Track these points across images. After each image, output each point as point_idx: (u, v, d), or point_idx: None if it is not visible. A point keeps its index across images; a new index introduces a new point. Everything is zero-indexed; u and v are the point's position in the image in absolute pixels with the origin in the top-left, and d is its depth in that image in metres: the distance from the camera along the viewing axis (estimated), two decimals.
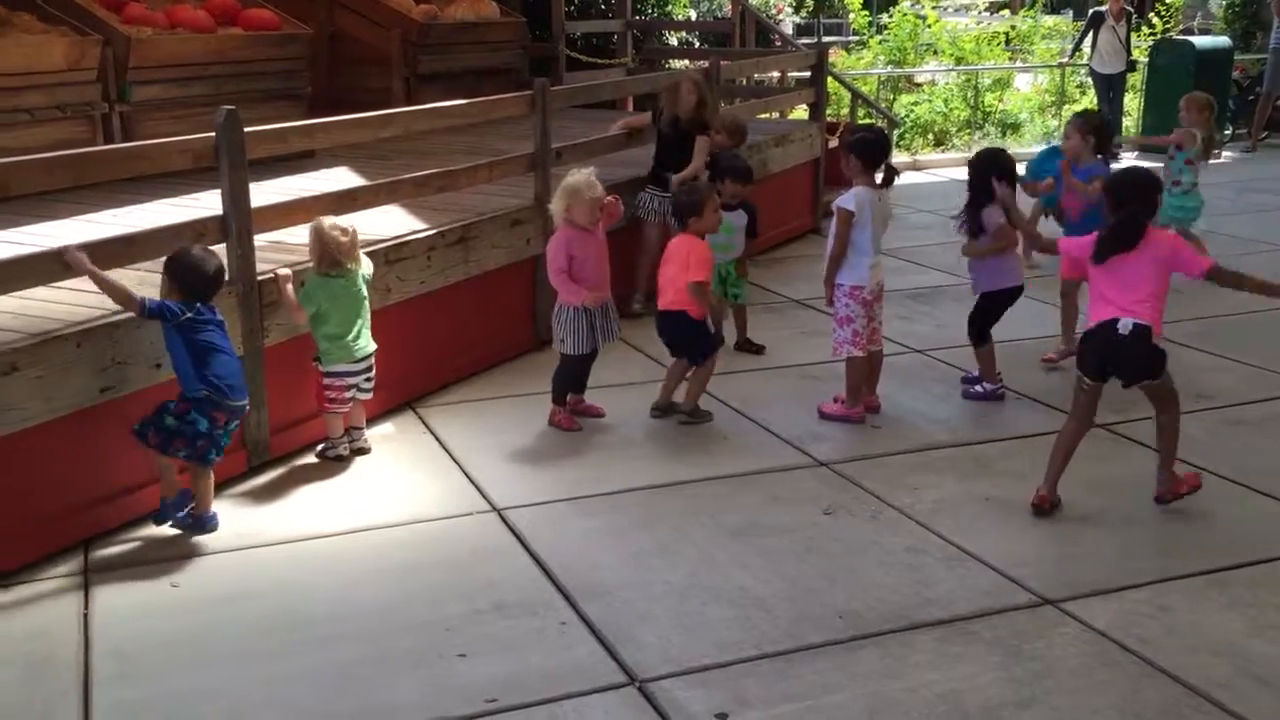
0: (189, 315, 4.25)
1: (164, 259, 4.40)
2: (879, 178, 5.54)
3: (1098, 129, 6.51)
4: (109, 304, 4.44)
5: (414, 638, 3.75)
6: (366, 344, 4.98)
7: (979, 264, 5.77)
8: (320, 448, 5.09)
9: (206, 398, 4.26)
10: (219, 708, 3.41)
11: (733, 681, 3.54)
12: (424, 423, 5.53)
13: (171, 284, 4.33)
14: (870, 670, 3.60)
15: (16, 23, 6.61)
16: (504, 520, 4.57)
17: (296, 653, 3.66)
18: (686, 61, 12.71)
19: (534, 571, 4.18)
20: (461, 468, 5.02)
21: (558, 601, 3.97)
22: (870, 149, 5.48)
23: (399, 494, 4.79)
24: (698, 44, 15.78)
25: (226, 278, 4.55)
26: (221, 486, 4.74)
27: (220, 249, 4.78)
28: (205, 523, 4.40)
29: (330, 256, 4.83)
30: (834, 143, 10.31)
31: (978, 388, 5.86)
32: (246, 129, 4.77)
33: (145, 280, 4.72)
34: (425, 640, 3.73)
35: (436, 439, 5.34)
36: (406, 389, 5.68)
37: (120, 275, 4.66)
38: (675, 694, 3.47)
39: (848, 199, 5.38)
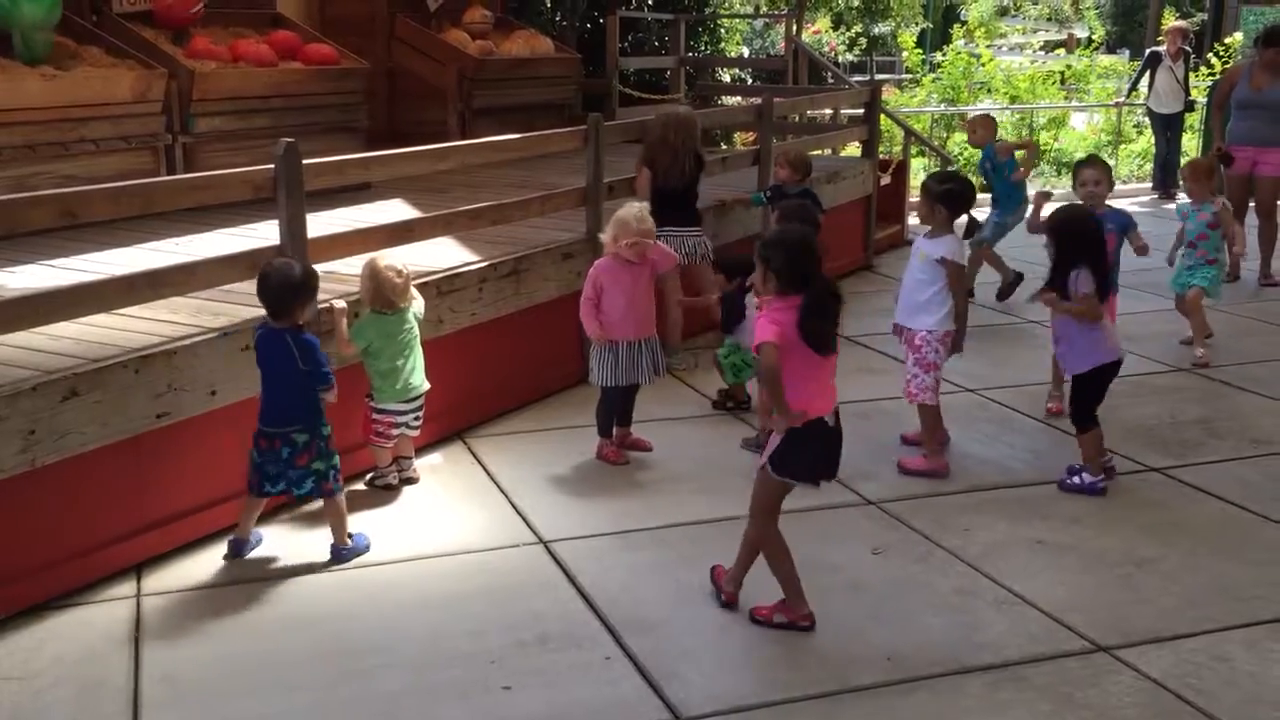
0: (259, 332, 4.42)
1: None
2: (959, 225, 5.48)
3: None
4: (167, 331, 4.53)
5: (459, 669, 3.75)
6: (420, 383, 5.00)
7: (1066, 343, 5.22)
8: (369, 477, 5.13)
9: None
10: None
11: None
12: (472, 453, 5.56)
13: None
14: (918, 714, 3.55)
15: (85, 56, 6.78)
16: (550, 553, 4.57)
17: (343, 682, 3.68)
18: (739, 98, 12.76)
19: (579, 605, 4.17)
20: (509, 499, 5.04)
21: (602, 636, 3.96)
22: (959, 202, 5.37)
23: (446, 524, 4.81)
24: (750, 80, 15.85)
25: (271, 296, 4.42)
26: (271, 514, 4.79)
27: None
28: (337, 554, 4.48)
29: (384, 297, 4.85)
30: (885, 180, 10.31)
31: (1075, 479, 5.21)
32: (305, 160, 4.85)
33: (203, 309, 4.81)
34: (470, 672, 3.73)
35: (485, 470, 5.36)
36: (455, 419, 5.71)
37: (181, 303, 4.76)
38: None
39: (955, 250, 5.28)
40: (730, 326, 5.87)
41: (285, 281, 4.31)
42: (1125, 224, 6.17)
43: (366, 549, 4.55)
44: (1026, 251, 8.46)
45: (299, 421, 4.36)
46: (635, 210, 5.33)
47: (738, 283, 5.77)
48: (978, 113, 8.71)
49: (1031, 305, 5.83)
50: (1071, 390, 5.31)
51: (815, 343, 3.84)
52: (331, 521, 4.51)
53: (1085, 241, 5.11)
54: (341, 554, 4.48)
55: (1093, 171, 6.09)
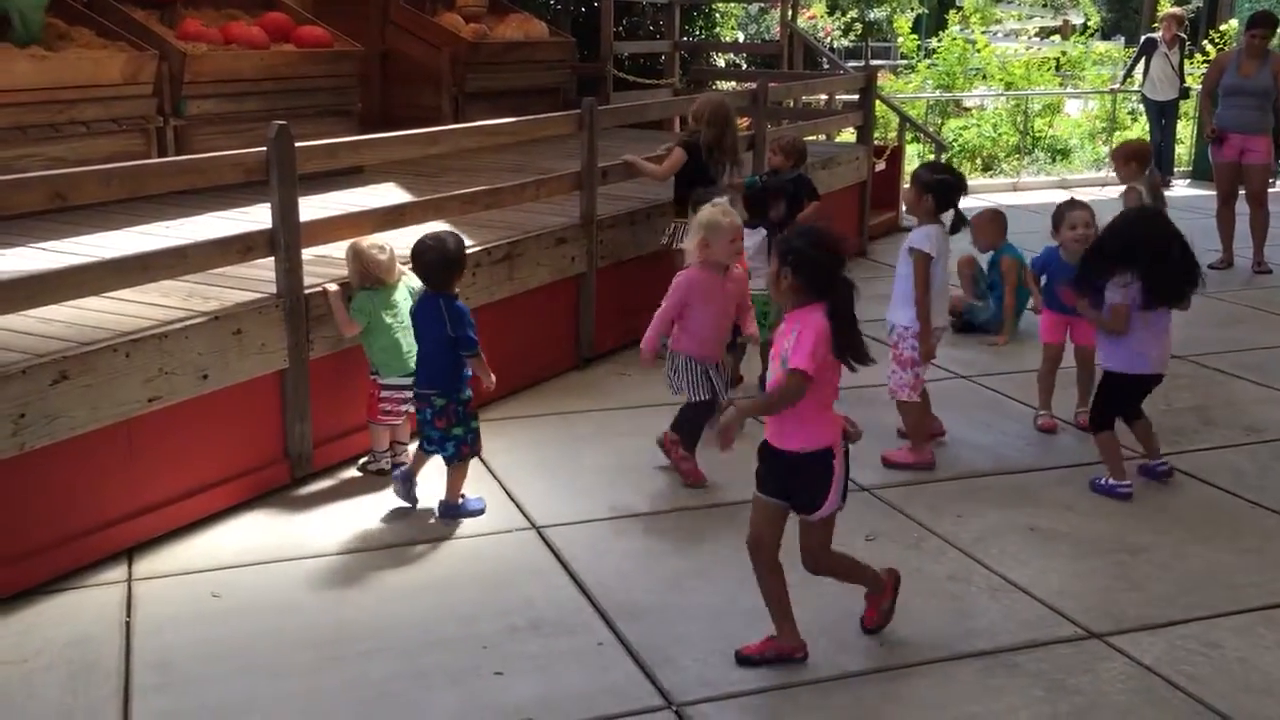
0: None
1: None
2: (946, 219, 5.25)
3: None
4: (158, 314, 4.50)
5: (450, 654, 3.74)
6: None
7: (1111, 341, 4.99)
8: (362, 461, 5.12)
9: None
10: None
11: (771, 708, 3.51)
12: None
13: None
14: (911, 700, 3.56)
15: (76, 38, 6.73)
16: (543, 538, 4.57)
17: (334, 667, 3.67)
18: (734, 83, 12.72)
19: (572, 590, 4.17)
20: (502, 484, 5.03)
21: (595, 622, 3.96)
22: (950, 193, 5.16)
23: (438, 509, 4.80)
24: (745, 65, 15.80)
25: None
26: (263, 498, 4.78)
27: (268, 262, 4.84)
28: (445, 509, 4.69)
29: (371, 275, 4.88)
30: (880, 166, 10.29)
31: (1103, 481, 5.07)
32: (297, 144, 4.82)
33: (194, 292, 4.79)
34: (462, 657, 3.73)
35: (477, 455, 5.33)
36: None
37: (172, 287, 4.74)
38: (712, 719, 3.44)
39: (922, 240, 5.08)
40: None
41: (441, 255, 4.61)
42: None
43: (479, 512, 4.70)
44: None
45: (439, 385, 4.60)
46: (719, 209, 4.87)
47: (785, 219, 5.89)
48: (984, 210, 7.43)
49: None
50: (1099, 387, 5.17)
51: (855, 356, 3.58)
52: (451, 479, 4.69)
53: (1142, 249, 4.79)
54: (450, 509, 4.67)
55: (1084, 214, 5.58)
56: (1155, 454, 5.19)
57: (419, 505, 4.76)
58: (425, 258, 4.63)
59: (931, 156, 11.83)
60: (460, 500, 4.72)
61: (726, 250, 4.87)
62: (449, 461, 4.68)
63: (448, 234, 4.77)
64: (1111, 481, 5.04)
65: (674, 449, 5.10)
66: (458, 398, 4.64)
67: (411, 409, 5.06)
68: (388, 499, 4.88)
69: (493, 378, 4.79)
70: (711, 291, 4.92)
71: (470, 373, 4.70)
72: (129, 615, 3.94)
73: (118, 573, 4.22)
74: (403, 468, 4.81)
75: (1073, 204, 5.75)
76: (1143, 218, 5.04)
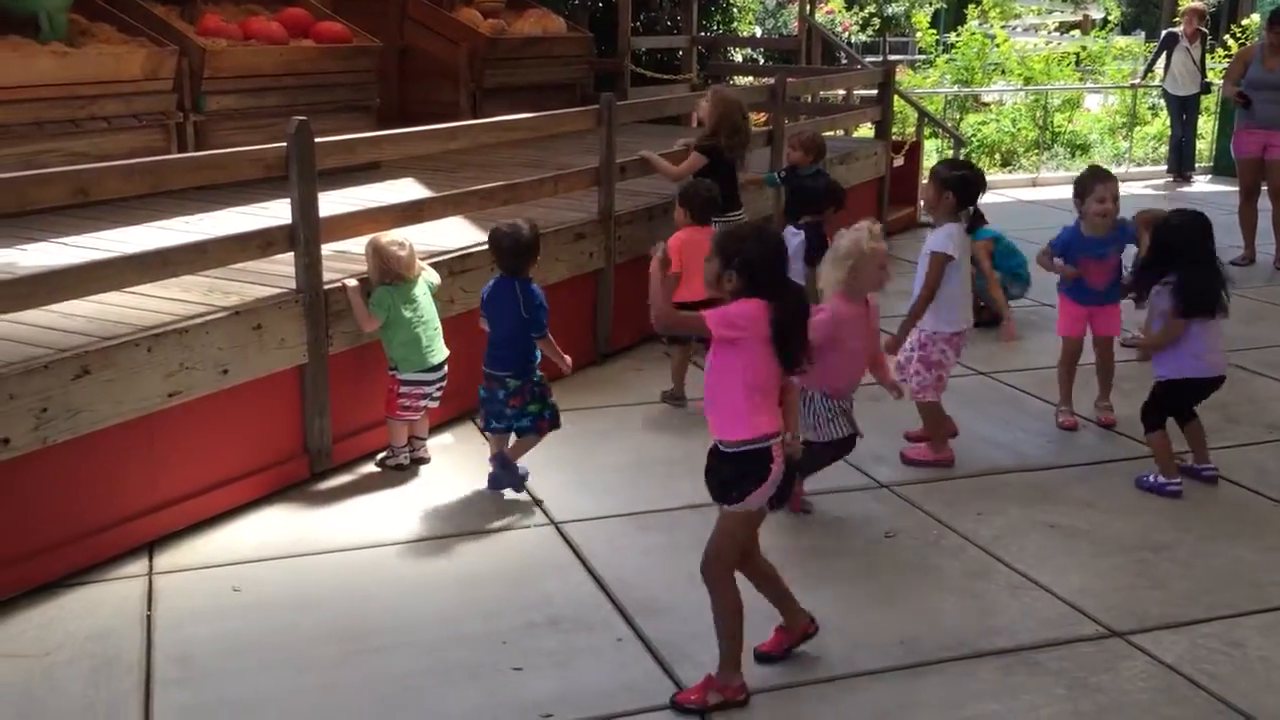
0: None
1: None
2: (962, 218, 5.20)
3: None
4: (179, 309, 4.52)
5: (470, 650, 3.75)
6: (440, 350, 5.03)
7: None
8: (380, 457, 5.13)
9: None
10: (276, 716, 3.43)
11: (790, 705, 3.50)
12: (484, 433, 5.54)
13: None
14: (930, 698, 3.54)
15: (96, 33, 6.76)
16: (561, 534, 4.57)
17: (354, 662, 3.68)
18: (751, 78, 12.70)
19: (591, 587, 4.17)
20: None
21: (614, 618, 3.95)
22: (970, 189, 5.11)
23: (457, 505, 4.81)
24: (762, 60, 15.77)
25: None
26: (283, 493, 4.80)
27: (287, 257, 4.85)
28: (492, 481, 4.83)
29: (391, 271, 4.89)
30: (899, 162, 10.25)
31: (1150, 478, 5.03)
32: (316, 139, 4.83)
33: (215, 287, 4.80)
34: (481, 653, 3.73)
35: (557, 429, 5.30)
36: (467, 400, 5.68)
37: (192, 282, 4.75)
38: (732, 716, 3.44)
39: (943, 242, 5.01)
40: (814, 259, 5.91)
41: (515, 241, 4.77)
42: (1133, 237, 5.73)
43: (523, 480, 4.83)
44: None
45: (512, 367, 4.74)
46: (865, 233, 4.40)
47: (816, 215, 5.97)
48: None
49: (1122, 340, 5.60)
50: (1153, 389, 5.07)
51: (793, 361, 3.36)
52: (520, 444, 4.86)
53: (1185, 252, 4.80)
54: (500, 475, 4.83)
55: (1112, 186, 5.44)
56: (1204, 458, 5.12)
57: (523, 480, 4.87)
58: (502, 244, 4.77)
59: (950, 152, 11.79)
60: (513, 464, 4.85)
61: (876, 279, 4.46)
62: (521, 432, 4.84)
63: (523, 221, 4.89)
64: (1160, 479, 4.98)
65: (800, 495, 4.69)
66: (531, 379, 4.79)
67: (430, 404, 5.08)
68: (406, 494, 4.89)
69: (568, 360, 4.97)
70: (857, 324, 4.49)
71: (540, 355, 4.82)
72: (150, 609, 3.96)
73: (138, 567, 4.23)
74: (495, 461, 4.83)
75: (1100, 174, 5.58)
76: (1187, 221, 4.94)
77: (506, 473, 4.82)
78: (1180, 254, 4.84)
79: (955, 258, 5.03)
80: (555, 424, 4.91)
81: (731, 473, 3.43)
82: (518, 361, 4.76)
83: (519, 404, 4.78)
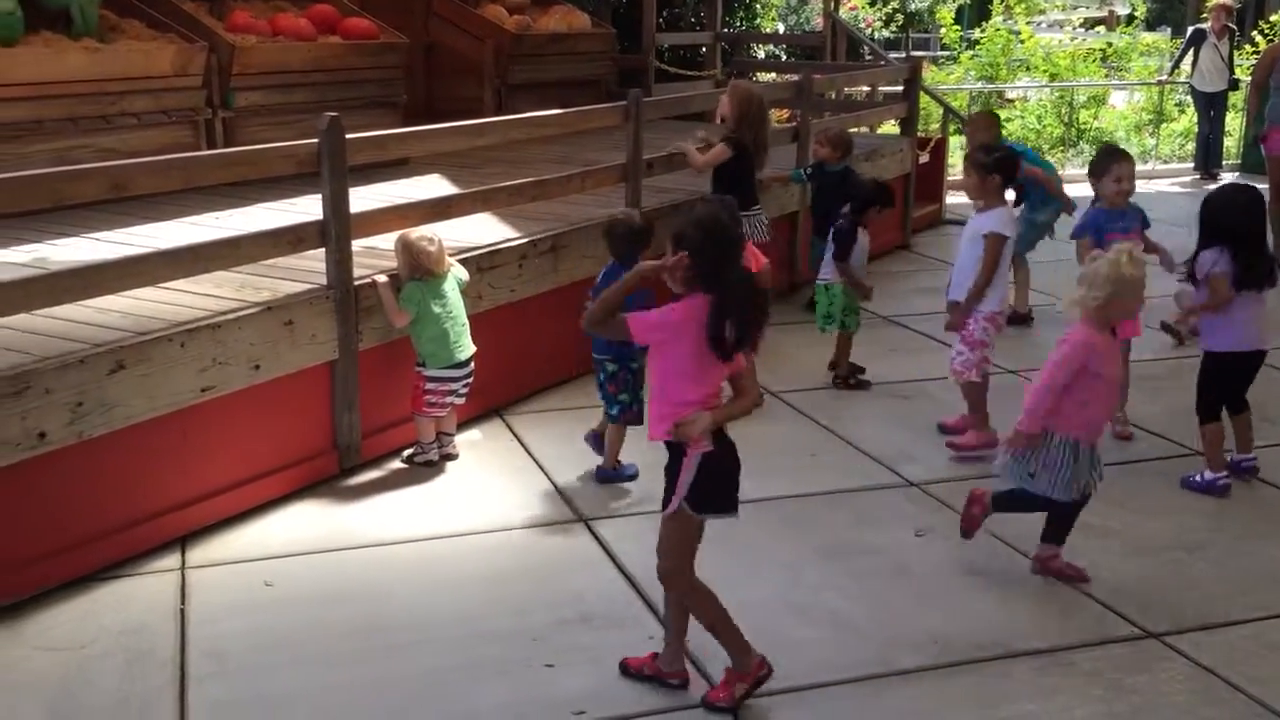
0: None
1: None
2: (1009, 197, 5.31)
3: None
4: (211, 305, 4.54)
5: (500, 646, 3.75)
6: (468, 346, 5.03)
7: (1207, 319, 4.89)
8: (408, 453, 5.13)
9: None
10: (307, 712, 3.44)
11: (823, 704, 3.49)
12: (511, 430, 5.55)
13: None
14: (964, 698, 3.52)
15: (126, 29, 6.79)
16: (591, 531, 4.56)
17: (384, 658, 3.69)
18: (774, 75, 12.66)
19: (621, 584, 4.16)
20: (549, 476, 5.03)
21: (645, 615, 3.95)
22: (1012, 166, 5.26)
23: (486, 501, 4.81)
24: (786, 57, 15.72)
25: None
26: (312, 488, 4.81)
27: (317, 253, 4.86)
28: (601, 474, 4.98)
29: (422, 266, 4.89)
30: (924, 158, 10.20)
31: (1197, 476, 4.94)
32: (347, 135, 4.84)
33: (247, 283, 4.82)
34: (511, 649, 3.73)
35: (524, 446, 5.35)
36: (495, 396, 5.71)
37: (224, 278, 4.77)
38: (763, 714, 3.43)
39: (1002, 223, 5.15)
40: (845, 255, 5.98)
41: (629, 229, 4.92)
42: (1146, 221, 5.66)
43: (633, 477, 4.95)
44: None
45: (611, 351, 4.85)
46: (1127, 257, 3.97)
47: (849, 213, 5.99)
48: (981, 112, 7.62)
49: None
50: (1200, 373, 5.00)
51: (724, 346, 3.23)
52: (610, 441, 4.97)
53: (1227, 224, 4.78)
54: (605, 475, 4.97)
55: (1129, 166, 5.43)
56: (1246, 448, 5.08)
57: (631, 477, 4.99)
58: (615, 231, 4.94)
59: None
60: (616, 466, 4.97)
61: (1132, 308, 4.09)
62: (611, 420, 4.96)
63: (636, 211, 5.18)
64: (1209, 475, 4.92)
65: (1053, 561, 4.27)
66: (629, 365, 4.87)
67: (456, 400, 5.08)
68: (434, 490, 4.90)
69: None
70: (1109, 357, 4.08)
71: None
72: (184, 603, 3.98)
73: (171, 560, 4.25)
74: (594, 431, 5.08)
75: (1116, 153, 5.55)
76: (1228, 195, 4.96)
77: (595, 443, 5.04)
78: (1231, 231, 4.80)
79: (1010, 237, 5.18)
80: (638, 419, 4.88)
81: (668, 474, 3.42)
82: (616, 347, 4.80)
83: (615, 390, 4.92)
